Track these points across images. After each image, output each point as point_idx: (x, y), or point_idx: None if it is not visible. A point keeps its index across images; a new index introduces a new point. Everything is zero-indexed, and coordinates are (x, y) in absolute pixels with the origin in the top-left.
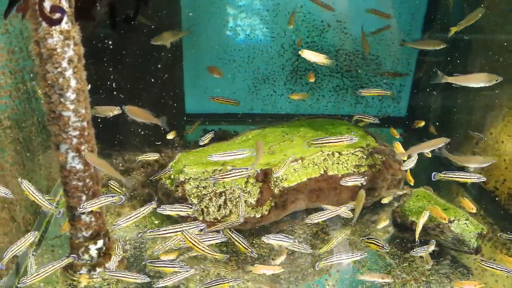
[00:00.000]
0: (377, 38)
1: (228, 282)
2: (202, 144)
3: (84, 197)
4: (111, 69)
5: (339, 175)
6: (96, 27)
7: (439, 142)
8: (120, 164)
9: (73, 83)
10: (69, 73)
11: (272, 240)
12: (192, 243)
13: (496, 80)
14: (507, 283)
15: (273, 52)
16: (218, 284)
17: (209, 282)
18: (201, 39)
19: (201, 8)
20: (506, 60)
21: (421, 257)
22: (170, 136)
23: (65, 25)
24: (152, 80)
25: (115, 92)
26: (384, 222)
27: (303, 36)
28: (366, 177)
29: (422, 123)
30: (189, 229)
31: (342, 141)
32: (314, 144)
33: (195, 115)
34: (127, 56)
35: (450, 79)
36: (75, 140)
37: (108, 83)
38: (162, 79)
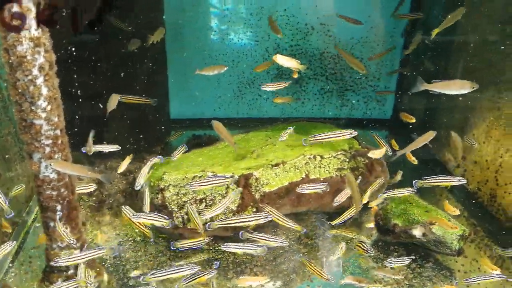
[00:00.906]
0: (361, 41)
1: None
2: (174, 159)
3: (59, 207)
4: (92, 74)
5: (321, 179)
6: (75, 32)
7: (430, 136)
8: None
9: (44, 91)
10: (40, 80)
11: (234, 248)
12: None
13: (473, 88)
14: (490, 286)
15: (257, 56)
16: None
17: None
18: (186, 44)
19: (185, 12)
20: (487, 62)
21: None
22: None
23: (35, 31)
24: (136, 86)
25: (96, 99)
26: (371, 223)
27: (287, 40)
28: (328, 184)
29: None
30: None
31: (344, 135)
32: (313, 140)
33: (180, 120)
34: (109, 62)
35: (429, 87)
36: (48, 149)
37: (89, 89)
38: (146, 84)
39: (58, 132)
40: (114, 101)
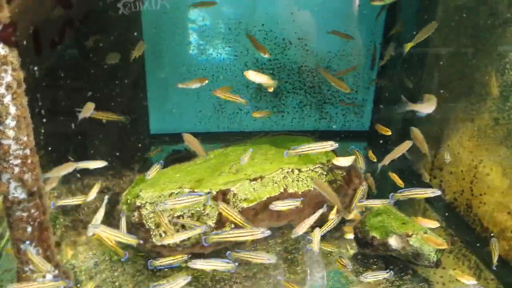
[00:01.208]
0: (338, 54)
1: None
2: (148, 177)
3: (29, 228)
4: (69, 91)
5: (300, 192)
6: (51, 49)
7: (407, 145)
8: (79, 191)
9: (12, 110)
10: (7, 99)
11: (201, 265)
12: None
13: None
14: None
15: (236, 71)
16: None
17: None
18: (164, 59)
19: (163, 28)
20: (459, 74)
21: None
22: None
23: (1, 50)
24: (114, 102)
25: (73, 116)
26: (351, 234)
27: None
28: (303, 199)
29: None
30: None
31: (324, 147)
32: (294, 152)
33: (160, 135)
34: (86, 78)
35: (415, 107)
36: (17, 169)
37: (66, 105)
38: (124, 100)
39: (27, 151)
40: (88, 109)
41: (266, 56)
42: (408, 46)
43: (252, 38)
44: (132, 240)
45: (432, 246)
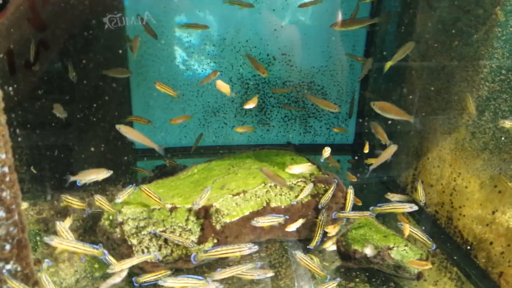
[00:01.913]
0: (321, 69)
1: None
2: (119, 201)
3: (8, 247)
4: (49, 109)
5: (282, 207)
6: (27, 69)
7: (392, 150)
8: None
9: None
10: None
11: (172, 283)
12: None
13: None
14: None
15: None
16: None
17: None
18: (149, 75)
19: (147, 44)
20: (437, 88)
21: None
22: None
23: None
24: (100, 116)
25: (56, 132)
26: (332, 244)
27: (250, 69)
28: (287, 217)
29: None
30: None
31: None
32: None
33: (145, 150)
34: (72, 93)
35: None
36: None
37: (52, 121)
38: (109, 115)
39: (6, 169)
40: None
41: (265, 75)
42: (387, 65)
43: (252, 59)
44: (94, 251)
45: (412, 258)
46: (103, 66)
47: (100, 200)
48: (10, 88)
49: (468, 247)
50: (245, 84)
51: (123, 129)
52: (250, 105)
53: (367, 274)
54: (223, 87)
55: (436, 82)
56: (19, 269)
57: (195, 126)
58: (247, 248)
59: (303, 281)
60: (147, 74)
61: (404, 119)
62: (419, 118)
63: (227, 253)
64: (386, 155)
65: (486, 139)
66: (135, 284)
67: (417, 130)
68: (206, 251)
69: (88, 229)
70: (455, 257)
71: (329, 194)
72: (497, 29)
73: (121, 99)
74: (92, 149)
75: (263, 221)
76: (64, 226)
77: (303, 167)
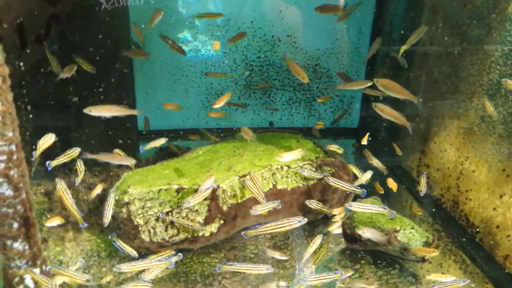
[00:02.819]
0: (327, 52)
1: None
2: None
3: (15, 225)
4: (57, 86)
5: (288, 189)
6: (37, 44)
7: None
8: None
9: None
10: None
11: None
12: None
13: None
14: None
15: (225, 67)
16: None
17: None
18: (152, 55)
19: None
20: (446, 72)
21: None
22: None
23: None
24: (102, 97)
25: (61, 111)
26: (339, 229)
27: (254, 51)
28: (280, 201)
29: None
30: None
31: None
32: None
33: (148, 132)
34: (75, 77)
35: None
36: (2, 165)
37: (55, 100)
38: (112, 96)
39: (13, 147)
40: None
41: (305, 81)
42: (402, 49)
43: (290, 62)
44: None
45: (419, 241)
46: (106, 46)
47: None
48: (21, 63)
49: (474, 231)
50: (249, 65)
51: (94, 110)
52: (219, 104)
53: (372, 256)
54: (247, 132)
55: (445, 66)
56: (27, 247)
57: (198, 108)
58: (297, 222)
59: (306, 262)
60: (150, 55)
61: (407, 99)
62: (422, 100)
63: (277, 228)
64: (357, 85)
65: (495, 123)
66: None
67: (422, 113)
68: (256, 227)
69: (94, 209)
70: (460, 241)
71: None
72: (509, 11)
73: (124, 79)
74: (93, 130)
75: (261, 208)
76: (63, 185)
77: (294, 154)
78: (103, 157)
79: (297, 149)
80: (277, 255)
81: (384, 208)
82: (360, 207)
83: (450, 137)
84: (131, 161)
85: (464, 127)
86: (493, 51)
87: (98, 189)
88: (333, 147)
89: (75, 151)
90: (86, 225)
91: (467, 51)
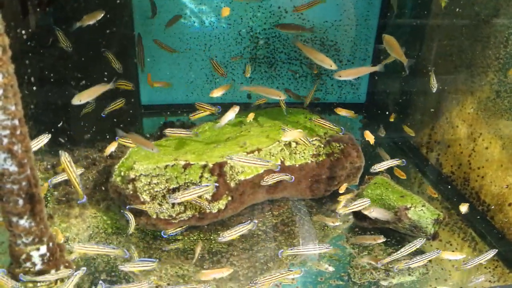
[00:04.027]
0: (335, 24)
1: None
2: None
3: (21, 201)
4: (58, 59)
5: (297, 165)
6: (39, 16)
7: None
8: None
9: None
10: None
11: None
12: None
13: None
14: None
15: (230, 40)
16: None
17: None
18: (155, 28)
19: None
20: (460, 45)
21: None
22: None
23: None
24: (104, 72)
25: (63, 84)
26: (345, 208)
27: (260, 23)
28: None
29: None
30: None
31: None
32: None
33: (151, 106)
34: (75, 47)
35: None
36: (5, 140)
37: (56, 74)
38: (114, 70)
39: (16, 122)
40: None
41: (333, 68)
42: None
43: (307, 48)
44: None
45: (429, 218)
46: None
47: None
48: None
49: (485, 208)
50: (254, 38)
51: (82, 98)
52: (218, 93)
53: (382, 233)
54: (293, 135)
55: (460, 38)
56: (33, 224)
57: (202, 82)
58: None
59: (314, 240)
60: (152, 27)
61: (399, 59)
62: (411, 63)
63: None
64: (358, 71)
65: (511, 98)
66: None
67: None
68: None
69: (99, 185)
70: (470, 218)
71: None
72: None
73: (127, 53)
74: (97, 105)
75: (270, 179)
76: (67, 157)
77: (295, 134)
78: (131, 138)
79: (299, 128)
80: (330, 222)
81: (268, 162)
82: (241, 160)
83: (463, 113)
84: (153, 149)
85: (478, 103)
86: (511, 24)
87: (112, 147)
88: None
89: None
90: (85, 198)
91: (483, 24)
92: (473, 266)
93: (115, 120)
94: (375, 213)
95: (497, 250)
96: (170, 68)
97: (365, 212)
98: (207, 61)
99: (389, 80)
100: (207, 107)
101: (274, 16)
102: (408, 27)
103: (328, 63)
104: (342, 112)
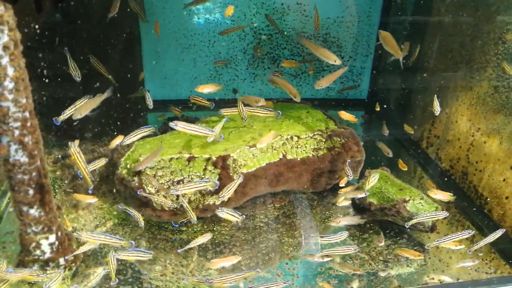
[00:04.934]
0: (337, 20)
1: None
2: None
3: (31, 191)
4: (63, 55)
5: (298, 159)
6: (45, 11)
7: (342, 71)
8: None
9: (10, 71)
10: (5, 60)
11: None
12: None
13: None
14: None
15: (234, 36)
16: None
17: None
18: (160, 24)
19: None
20: (459, 42)
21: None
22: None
23: None
24: (109, 67)
25: (68, 80)
26: (346, 202)
27: (264, 19)
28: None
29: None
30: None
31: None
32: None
33: (156, 101)
34: (80, 42)
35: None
36: (17, 132)
37: (60, 70)
38: (119, 65)
39: (26, 114)
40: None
41: (337, 63)
42: None
43: (313, 45)
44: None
45: (428, 211)
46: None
47: None
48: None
49: (483, 202)
50: (258, 34)
51: (82, 111)
52: (207, 89)
53: (381, 226)
54: (268, 139)
55: (460, 34)
56: (42, 213)
57: (206, 77)
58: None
59: (314, 231)
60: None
61: (394, 54)
62: (405, 59)
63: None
64: (336, 75)
65: (510, 93)
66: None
67: (436, 85)
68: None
69: (105, 178)
70: (468, 212)
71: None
72: None
73: (131, 48)
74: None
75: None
76: (77, 148)
77: (269, 137)
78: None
79: (272, 131)
80: (358, 194)
81: (212, 131)
82: (185, 127)
83: (462, 108)
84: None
85: (477, 98)
86: (511, 19)
87: (118, 139)
88: None
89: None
90: (92, 187)
91: (482, 19)
92: (483, 245)
93: (120, 115)
94: (343, 222)
95: (504, 229)
96: (174, 64)
97: (333, 224)
98: (211, 57)
99: (391, 76)
100: (202, 101)
101: (277, 12)
102: (410, 23)
103: (333, 59)
104: (345, 116)
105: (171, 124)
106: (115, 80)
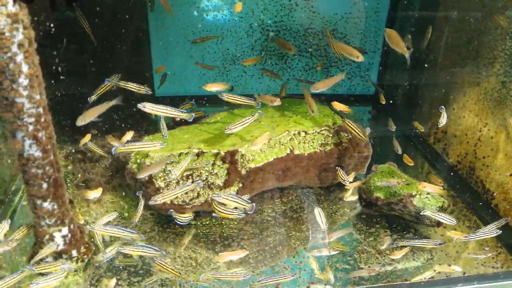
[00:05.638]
0: (345, 16)
1: None
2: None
3: (44, 185)
4: (73, 52)
5: (305, 154)
6: (56, 9)
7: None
8: (89, 152)
9: (25, 68)
10: (20, 58)
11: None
12: None
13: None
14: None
15: (242, 33)
16: None
17: None
18: (168, 21)
19: None
20: (466, 38)
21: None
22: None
23: (12, 7)
24: (119, 63)
25: (78, 77)
26: (353, 197)
27: (271, 16)
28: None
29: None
30: None
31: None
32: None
33: (166, 97)
34: (90, 40)
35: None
36: (31, 127)
37: (70, 67)
38: (128, 62)
39: (40, 110)
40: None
41: (359, 59)
42: None
43: (338, 44)
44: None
45: (434, 206)
46: (121, 10)
47: None
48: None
49: (489, 197)
50: (265, 31)
51: (87, 117)
52: (215, 88)
53: (387, 220)
54: (261, 141)
55: (467, 30)
56: (55, 207)
57: (214, 74)
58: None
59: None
60: (165, 20)
61: (400, 51)
62: (412, 55)
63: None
64: (333, 80)
65: None
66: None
67: (443, 80)
68: None
69: (116, 172)
70: (475, 206)
71: None
72: None
73: (141, 45)
74: (112, 96)
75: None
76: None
77: (263, 139)
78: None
79: (266, 132)
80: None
81: (182, 112)
82: (153, 109)
83: (469, 103)
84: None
85: (484, 93)
86: None
87: (128, 135)
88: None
89: None
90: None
91: (490, 15)
92: (488, 231)
93: (129, 111)
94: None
95: (508, 218)
96: (183, 60)
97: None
98: (219, 53)
99: (398, 72)
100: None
101: (285, 9)
102: (417, 18)
103: (356, 55)
104: (338, 107)
105: (139, 105)
106: (125, 78)
